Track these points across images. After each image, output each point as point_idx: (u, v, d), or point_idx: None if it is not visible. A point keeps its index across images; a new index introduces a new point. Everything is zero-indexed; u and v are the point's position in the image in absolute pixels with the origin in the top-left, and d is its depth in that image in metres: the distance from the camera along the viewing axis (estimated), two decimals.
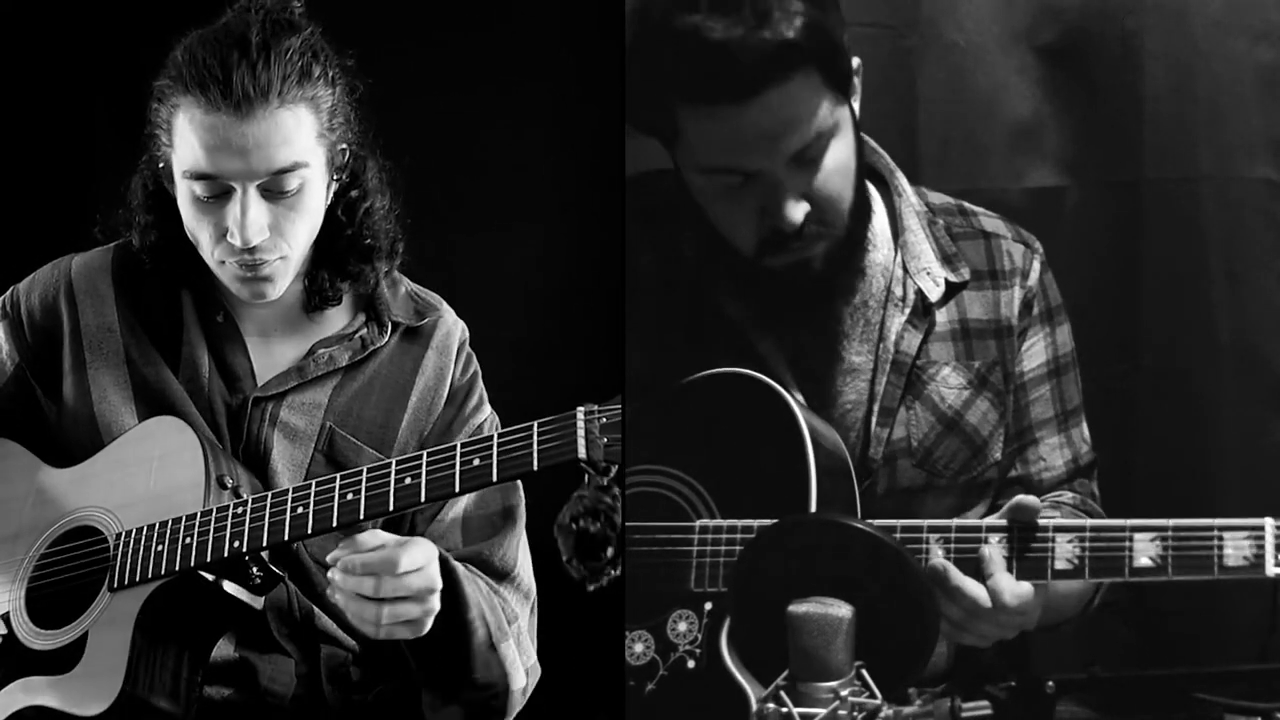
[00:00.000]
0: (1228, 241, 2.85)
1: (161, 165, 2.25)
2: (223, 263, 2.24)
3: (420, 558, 2.12)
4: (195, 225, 2.23)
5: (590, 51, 2.73)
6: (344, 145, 2.27)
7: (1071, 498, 2.51)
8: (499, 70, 2.86)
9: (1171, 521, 2.19)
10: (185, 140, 2.18)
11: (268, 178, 2.18)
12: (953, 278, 2.48)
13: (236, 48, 2.16)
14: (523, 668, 2.31)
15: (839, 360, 2.45)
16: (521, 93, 2.86)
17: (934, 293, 2.46)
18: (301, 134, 2.19)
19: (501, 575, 2.33)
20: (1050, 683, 2.42)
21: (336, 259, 2.32)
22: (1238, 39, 2.82)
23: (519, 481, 2.35)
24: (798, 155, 2.31)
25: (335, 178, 2.28)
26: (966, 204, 2.56)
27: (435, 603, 2.13)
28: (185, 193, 2.22)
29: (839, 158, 2.35)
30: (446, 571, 2.17)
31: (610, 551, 1.98)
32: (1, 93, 2.92)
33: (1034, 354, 2.51)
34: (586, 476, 1.98)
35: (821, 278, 2.42)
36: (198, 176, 2.19)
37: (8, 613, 2.25)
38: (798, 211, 2.33)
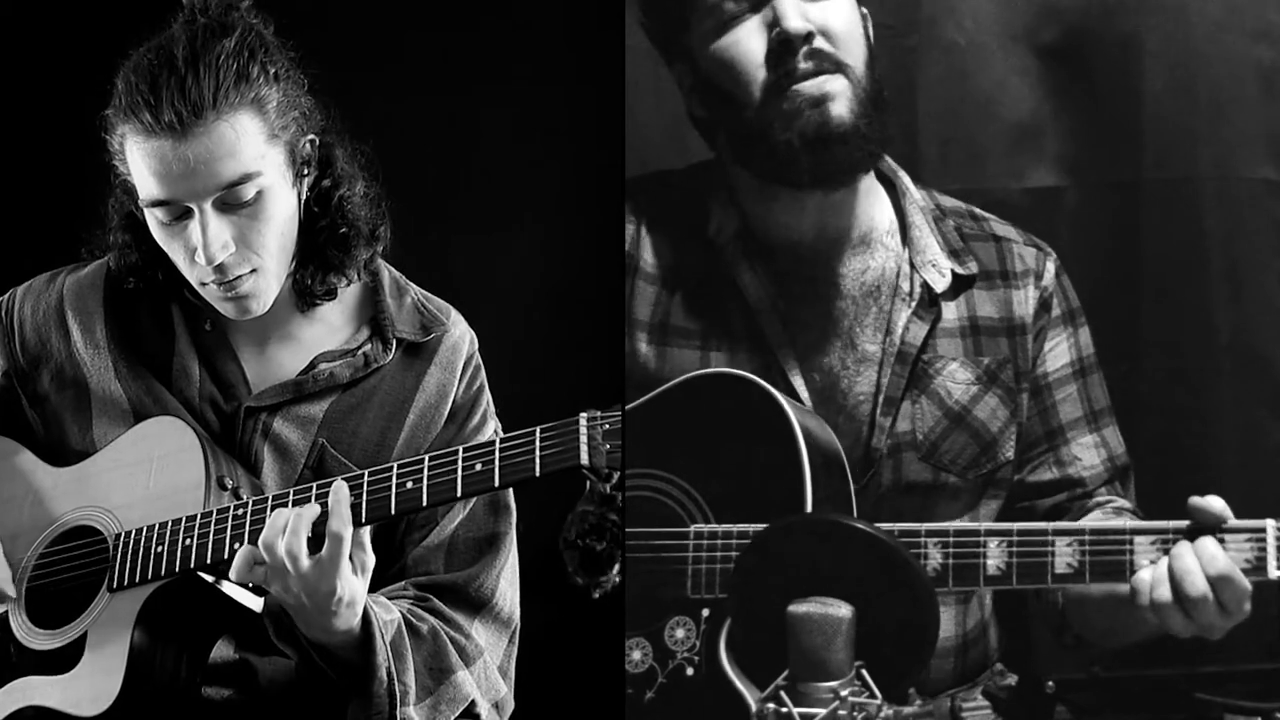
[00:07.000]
0: (1228, 241, 2.85)
1: (129, 191, 2.24)
2: (204, 284, 2.22)
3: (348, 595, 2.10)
4: (166, 248, 2.22)
5: (590, 51, 2.73)
6: (306, 138, 2.24)
7: (1131, 506, 2.51)
8: (499, 70, 2.86)
9: (1171, 524, 2.19)
10: (136, 168, 2.17)
11: (220, 192, 2.15)
12: (959, 270, 2.48)
13: (166, 67, 2.13)
14: (488, 702, 2.30)
15: (852, 349, 2.46)
16: (522, 93, 2.86)
17: (939, 283, 2.47)
18: (246, 142, 2.15)
19: (477, 607, 2.31)
20: (1050, 683, 2.43)
21: (317, 252, 2.29)
22: (1238, 39, 2.82)
23: (511, 505, 2.35)
24: None
25: (304, 172, 2.25)
26: (978, 210, 2.57)
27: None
28: (150, 219, 2.20)
29: (843, 8, 2.40)
30: (366, 637, 2.15)
31: (615, 572, 1.98)
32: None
33: (1058, 355, 2.52)
34: (588, 484, 1.98)
35: (852, 146, 2.41)
36: (154, 204, 2.17)
37: (6, 611, 2.25)
38: (801, 20, 2.36)
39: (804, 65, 2.37)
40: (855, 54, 2.41)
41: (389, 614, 2.21)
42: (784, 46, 2.37)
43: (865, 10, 2.46)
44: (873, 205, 2.51)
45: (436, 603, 2.29)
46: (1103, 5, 2.85)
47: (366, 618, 2.14)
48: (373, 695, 2.16)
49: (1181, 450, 2.83)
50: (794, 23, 2.36)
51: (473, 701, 2.28)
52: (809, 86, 2.37)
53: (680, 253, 2.50)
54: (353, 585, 2.10)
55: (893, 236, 2.50)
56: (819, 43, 2.37)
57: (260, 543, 2.08)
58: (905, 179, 2.53)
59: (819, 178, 2.42)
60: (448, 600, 2.30)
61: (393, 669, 2.18)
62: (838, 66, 2.39)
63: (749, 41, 2.39)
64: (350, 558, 2.09)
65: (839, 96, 2.39)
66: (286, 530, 2.07)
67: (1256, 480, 2.82)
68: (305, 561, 2.07)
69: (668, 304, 2.48)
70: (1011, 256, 2.52)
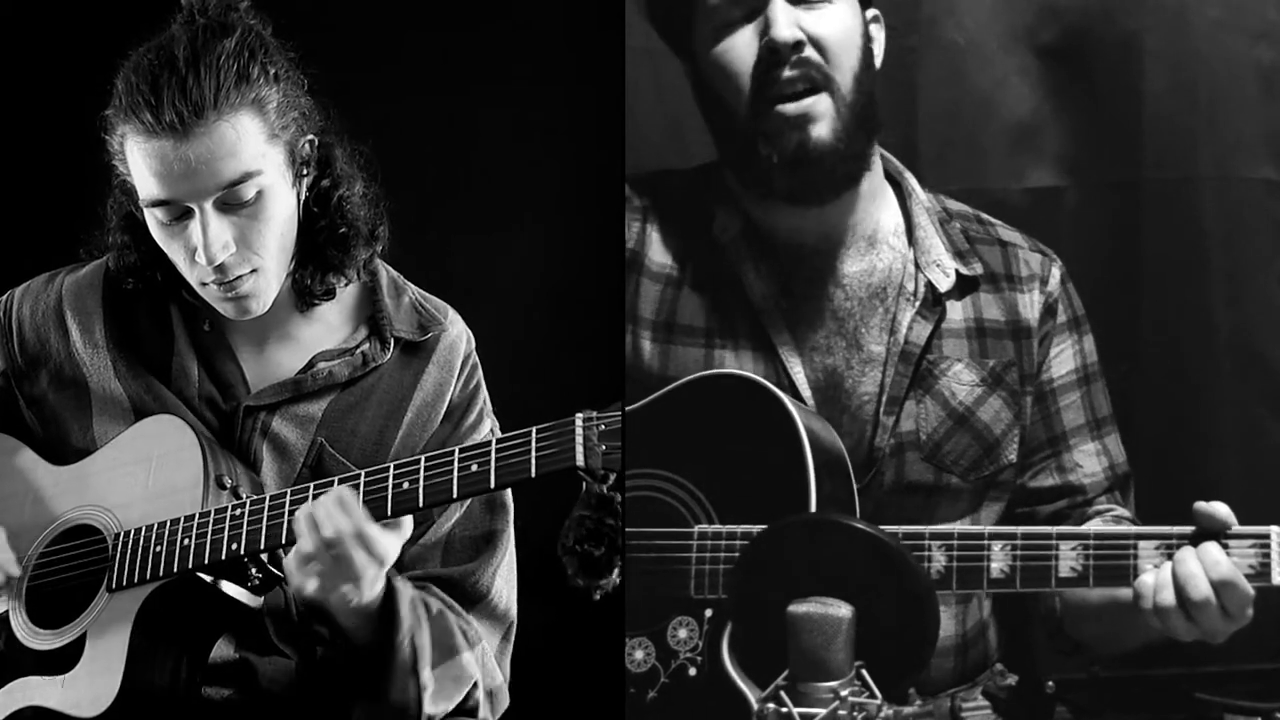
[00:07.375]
0: (1228, 241, 2.85)
1: (128, 191, 2.24)
2: (204, 284, 2.22)
3: (390, 552, 2.12)
4: (166, 249, 2.22)
5: (590, 51, 2.73)
6: (305, 138, 2.24)
7: (1130, 515, 2.51)
8: (499, 70, 2.86)
9: (1175, 529, 2.19)
10: (136, 169, 2.17)
11: (220, 192, 2.15)
12: (964, 270, 2.48)
13: (166, 68, 2.13)
14: (485, 688, 2.30)
15: (858, 349, 2.46)
16: (522, 93, 2.86)
17: (943, 283, 2.47)
18: (247, 142, 2.15)
19: (473, 601, 2.32)
20: (1050, 683, 2.43)
21: (317, 252, 2.29)
22: (1238, 39, 2.83)
23: (509, 504, 2.35)
24: None
25: (303, 173, 2.25)
26: (985, 215, 2.58)
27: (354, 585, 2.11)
28: (150, 219, 2.21)
29: (840, 16, 2.39)
30: (389, 590, 2.16)
31: (616, 573, 1.98)
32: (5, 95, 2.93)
33: (1062, 361, 2.52)
34: (584, 484, 1.97)
35: (829, 167, 2.41)
36: (154, 204, 2.17)
37: (7, 611, 2.25)
38: (792, 29, 2.35)
39: (789, 74, 2.36)
40: (845, 65, 2.40)
41: (404, 585, 2.22)
42: (772, 56, 2.36)
43: (876, 11, 2.46)
44: (880, 207, 2.51)
45: (438, 590, 2.30)
46: (1103, 5, 2.85)
47: (388, 578, 2.16)
48: (397, 647, 2.17)
49: (1181, 450, 2.83)
50: (783, 32, 2.35)
51: (474, 684, 2.28)
52: (791, 109, 2.37)
53: (685, 251, 2.50)
54: (384, 545, 2.11)
55: (899, 237, 2.50)
56: (808, 52, 2.37)
57: (304, 548, 2.08)
58: (911, 180, 2.53)
59: (796, 195, 2.42)
60: (445, 592, 2.30)
61: (414, 626, 2.19)
62: (825, 80, 2.38)
63: (742, 50, 2.38)
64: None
65: (821, 118, 2.38)
66: (323, 516, 2.07)
67: (1255, 480, 2.82)
68: (372, 525, 2.08)
69: (672, 302, 2.49)
70: (1017, 261, 2.53)
